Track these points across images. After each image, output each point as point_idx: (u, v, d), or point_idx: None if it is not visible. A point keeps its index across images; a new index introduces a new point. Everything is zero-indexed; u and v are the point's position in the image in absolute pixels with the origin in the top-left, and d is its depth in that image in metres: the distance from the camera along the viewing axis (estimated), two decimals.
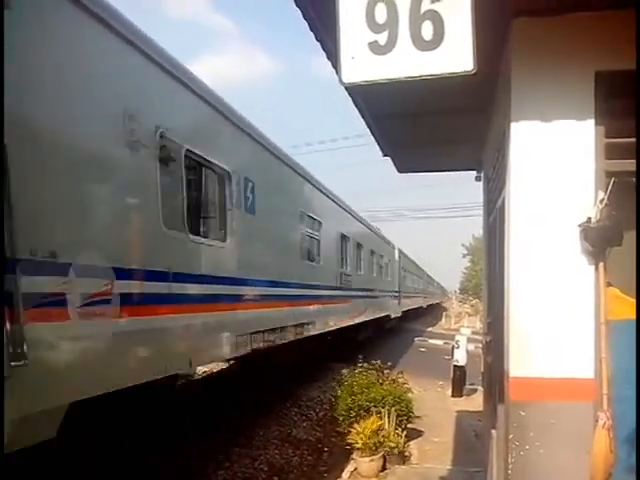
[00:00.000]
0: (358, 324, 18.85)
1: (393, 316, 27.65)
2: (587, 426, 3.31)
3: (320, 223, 13.44)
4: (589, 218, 3.31)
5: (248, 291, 8.47)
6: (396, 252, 30.02)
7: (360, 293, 18.88)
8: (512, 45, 3.51)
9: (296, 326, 11.10)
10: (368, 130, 6.00)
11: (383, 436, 8.16)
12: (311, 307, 12.60)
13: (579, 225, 3.35)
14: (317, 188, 13.49)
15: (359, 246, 18.95)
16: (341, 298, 15.72)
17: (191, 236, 6.72)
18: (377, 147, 6.71)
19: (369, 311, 20.78)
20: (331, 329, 14.89)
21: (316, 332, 12.79)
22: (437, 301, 74.42)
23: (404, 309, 32.47)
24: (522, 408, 3.46)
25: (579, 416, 3.37)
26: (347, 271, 16.90)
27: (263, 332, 8.99)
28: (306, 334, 11.81)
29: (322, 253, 13.69)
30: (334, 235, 15.37)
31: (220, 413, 9.66)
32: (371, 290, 21.58)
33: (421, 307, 48.85)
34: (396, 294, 29.14)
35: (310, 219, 12.66)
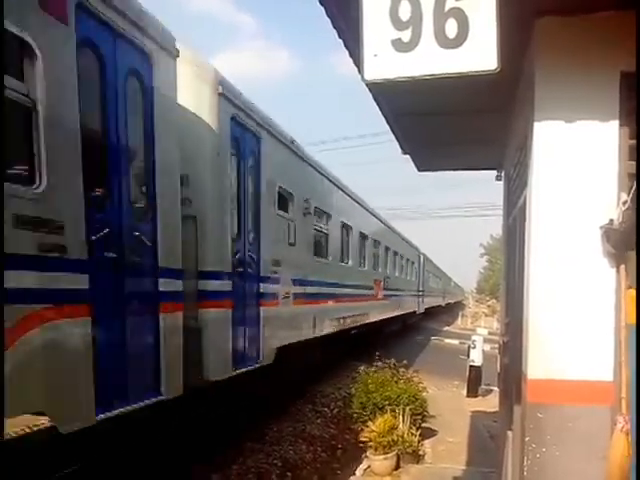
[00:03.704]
0: None
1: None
2: (605, 430, 3.28)
3: None
4: (611, 220, 3.27)
5: None
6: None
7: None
8: (536, 44, 3.48)
9: None
10: (388, 127, 5.97)
11: (397, 435, 8.15)
12: None
13: (601, 227, 3.31)
14: None
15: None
16: None
17: None
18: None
19: None
20: None
21: None
22: (451, 300, 66.59)
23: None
24: (539, 410, 3.44)
25: (597, 419, 3.34)
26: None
27: None
28: None
29: None
30: None
31: (234, 408, 9.69)
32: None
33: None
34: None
35: None
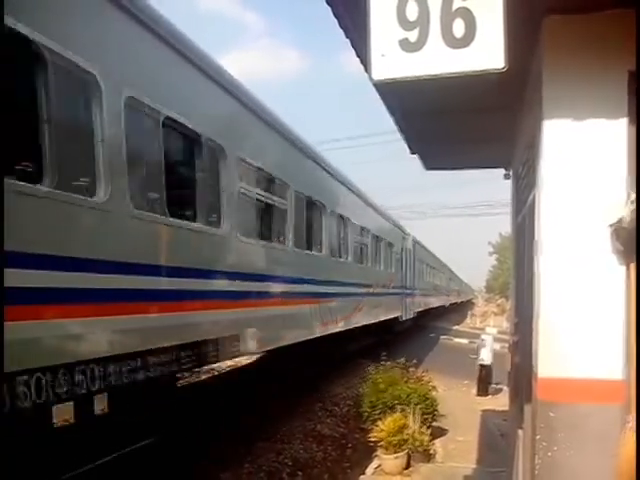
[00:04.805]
0: None
1: None
2: (616, 428, 3.27)
3: None
4: (621, 218, 3.26)
5: None
6: None
7: None
8: (543, 43, 3.47)
9: None
10: (396, 127, 5.97)
11: (407, 434, 8.14)
12: None
13: (610, 225, 3.30)
14: None
15: None
16: None
17: None
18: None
19: None
20: None
21: None
22: (464, 299, 70.09)
23: None
24: (550, 409, 3.43)
25: (608, 418, 3.33)
26: None
27: None
28: None
29: None
30: None
31: (245, 407, 9.73)
32: None
33: (443, 305, 45.00)
34: None
35: None
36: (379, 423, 8.30)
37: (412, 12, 2.75)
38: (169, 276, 6.27)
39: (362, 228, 16.00)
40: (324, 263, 12.42)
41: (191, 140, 6.92)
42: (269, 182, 9.20)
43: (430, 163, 7.73)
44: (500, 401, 12.14)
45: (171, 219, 6.28)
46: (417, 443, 8.16)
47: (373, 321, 17.30)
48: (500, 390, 13.51)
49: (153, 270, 6.04)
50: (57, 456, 6.40)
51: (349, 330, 14.22)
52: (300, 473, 8.22)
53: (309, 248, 11.49)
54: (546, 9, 3.39)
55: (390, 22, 2.78)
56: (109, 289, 5.31)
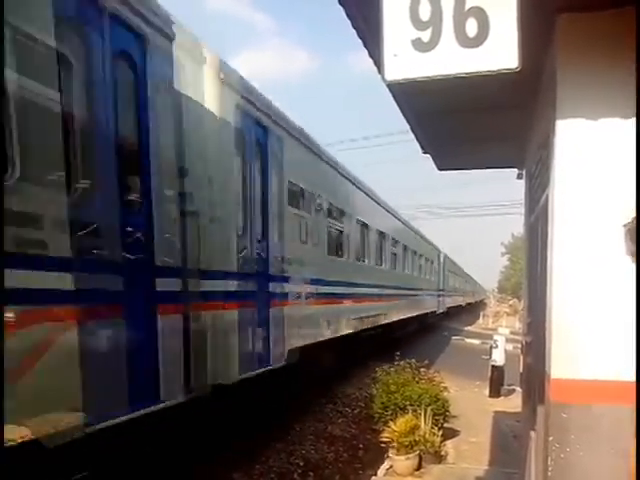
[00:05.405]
0: None
1: None
2: (629, 430, 3.25)
3: None
4: (634, 218, 3.24)
5: None
6: None
7: None
8: (557, 41, 3.45)
9: None
10: (409, 127, 5.96)
11: (419, 435, 8.13)
12: None
13: (624, 225, 3.29)
14: None
15: None
16: None
17: None
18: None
19: None
20: None
21: None
22: (478, 299, 70.82)
23: None
24: (563, 410, 3.42)
25: (621, 419, 3.31)
26: None
27: None
28: None
29: None
30: None
31: (256, 408, 9.72)
32: None
33: (460, 305, 50.13)
34: None
35: None
36: (390, 424, 8.29)
37: (425, 12, 2.75)
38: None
39: (421, 255, 26.89)
40: (409, 277, 23.37)
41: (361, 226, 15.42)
42: (404, 249, 22.28)
43: (443, 163, 7.71)
44: (512, 402, 12.08)
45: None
46: (429, 444, 8.14)
47: (425, 311, 28.33)
48: (512, 391, 13.44)
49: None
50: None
51: (412, 316, 24.35)
52: (311, 474, 8.21)
53: (404, 270, 22.37)
54: (559, 7, 3.37)
55: (403, 22, 2.78)
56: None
